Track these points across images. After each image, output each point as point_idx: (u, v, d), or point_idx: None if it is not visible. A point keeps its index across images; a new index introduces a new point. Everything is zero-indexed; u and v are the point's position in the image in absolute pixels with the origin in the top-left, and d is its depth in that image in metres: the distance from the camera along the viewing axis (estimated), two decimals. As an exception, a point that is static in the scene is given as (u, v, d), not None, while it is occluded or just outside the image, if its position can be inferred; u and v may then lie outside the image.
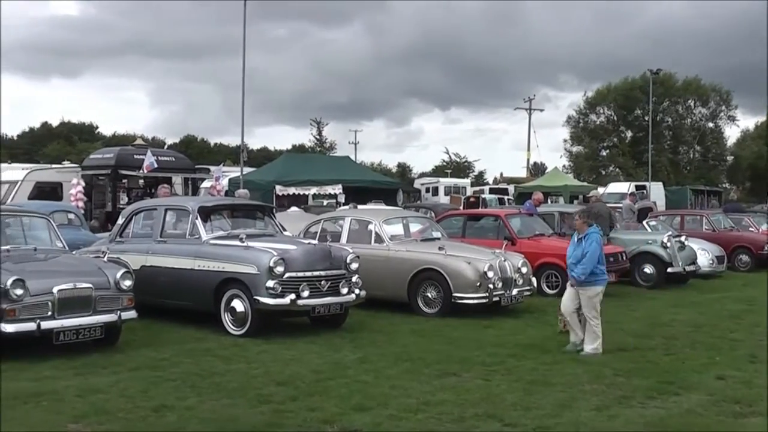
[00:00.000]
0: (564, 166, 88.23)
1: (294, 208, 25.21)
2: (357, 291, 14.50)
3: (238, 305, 13.69)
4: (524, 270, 16.93)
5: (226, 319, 13.82)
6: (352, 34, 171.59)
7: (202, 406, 9.39)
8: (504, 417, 9.07)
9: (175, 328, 14.14)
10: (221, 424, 8.66)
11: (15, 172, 34.43)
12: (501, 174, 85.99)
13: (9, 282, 11.43)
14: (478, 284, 15.97)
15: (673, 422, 9.13)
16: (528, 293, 17.04)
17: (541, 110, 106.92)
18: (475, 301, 16.05)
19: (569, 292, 13.19)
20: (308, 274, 13.83)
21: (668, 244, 22.13)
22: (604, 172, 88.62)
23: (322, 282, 13.98)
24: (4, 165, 38.24)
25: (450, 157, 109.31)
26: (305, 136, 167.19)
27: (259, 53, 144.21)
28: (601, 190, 43.00)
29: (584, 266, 12.84)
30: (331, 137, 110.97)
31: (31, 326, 11.46)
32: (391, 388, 10.32)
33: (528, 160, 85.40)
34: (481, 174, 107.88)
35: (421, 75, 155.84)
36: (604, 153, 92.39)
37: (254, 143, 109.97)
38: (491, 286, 16.06)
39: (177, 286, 14.46)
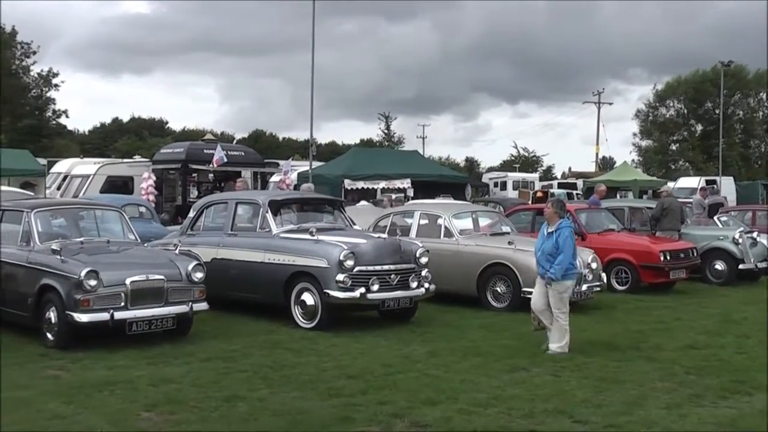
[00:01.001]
0: (633, 160, 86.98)
1: (363, 202, 25.22)
2: (426, 285, 14.44)
3: (308, 298, 13.73)
4: (594, 265, 16.73)
5: (297, 312, 13.88)
6: (420, 30, 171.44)
7: (273, 398, 9.44)
8: (574, 414, 8.97)
9: (246, 321, 14.25)
10: (293, 416, 8.69)
11: (87, 166, 35.00)
12: (569, 168, 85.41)
13: (83, 273, 11.64)
14: (547, 279, 15.81)
15: (745, 423, 8.93)
16: (598, 289, 16.80)
17: (610, 104, 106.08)
18: (545, 297, 15.87)
19: (539, 288, 12.43)
20: (378, 267, 13.83)
21: (740, 240, 21.69)
22: (673, 167, 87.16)
23: (392, 276, 13.96)
24: (76, 160, 38.88)
25: (518, 151, 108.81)
26: (373, 131, 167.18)
27: (327, 49, 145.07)
28: (670, 184, 42.40)
29: (560, 265, 12.05)
30: (399, 132, 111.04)
31: (104, 316, 11.68)
32: (461, 382, 10.28)
33: (597, 154, 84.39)
34: (549, 169, 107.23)
35: (489, 70, 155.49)
36: (673, 147, 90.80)
37: (322, 138, 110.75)
38: (560, 281, 15.87)
39: (247, 278, 14.57)
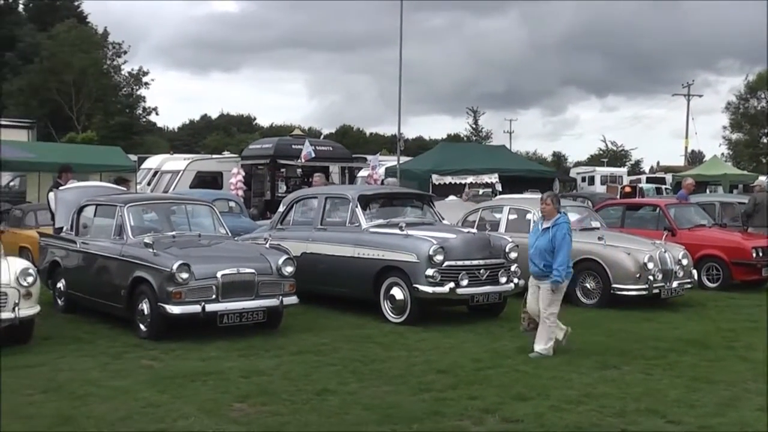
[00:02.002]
0: (723, 154, 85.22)
1: (452, 197, 25.13)
2: (515, 280, 14.32)
3: (397, 293, 13.73)
4: (685, 262, 16.41)
5: (386, 306, 13.89)
6: (508, 23, 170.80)
7: (363, 391, 9.45)
8: (667, 413, 8.80)
9: (335, 315, 14.31)
10: (383, 410, 8.68)
11: (177, 162, 35.50)
12: (657, 163, 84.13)
13: (175, 266, 11.82)
14: (637, 276, 15.58)
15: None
16: (688, 286, 16.50)
17: (700, 96, 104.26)
18: (635, 293, 15.66)
19: (531, 289, 11.79)
20: (467, 262, 13.76)
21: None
22: (764, 160, 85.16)
23: (481, 271, 13.88)
24: (166, 156, 39.46)
25: (606, 145, 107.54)
26: (461, 126, 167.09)
27: (415, 44, 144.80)
28: (762, 179, 41.39)
29: (561, 265, 11.34)
30: (487, 126, 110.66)
31: (196, 308, 11.87)
32: (551, 378, 10.18)
33: (686, 148, 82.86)
34: (637, 163, 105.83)
35: (578, 63, 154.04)
36: (765, 140, 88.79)
37: (410, 132, 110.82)
38: (651, 278, 15.64)
39: (337, 273, 14.62)
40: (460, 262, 13.67)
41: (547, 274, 11.39)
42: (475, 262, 13.85)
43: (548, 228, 11.52)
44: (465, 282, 13.61)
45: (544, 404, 9.01)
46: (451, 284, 13.46)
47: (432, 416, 8.53)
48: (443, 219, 15.93)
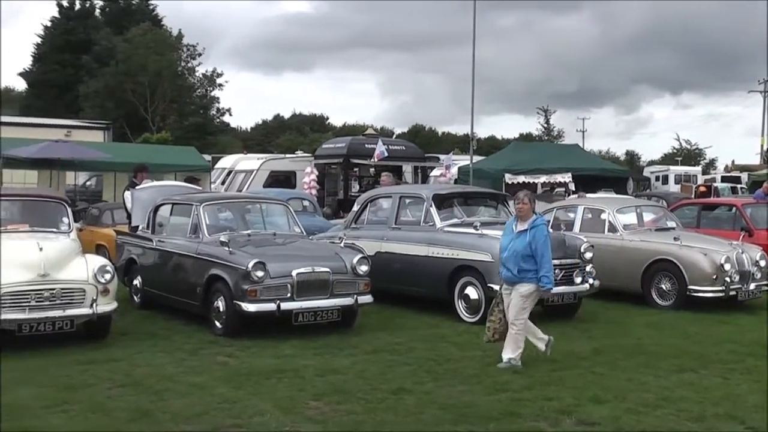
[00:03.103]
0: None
1: (525, 196, 24.97)
2: (591, 281, 14.18)
3: (471, 293, 13.66)
4: (762, 263, 16.03)
5: (460, 306, 13.82)
6: (581, 21, 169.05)
7: (439, 391, 9.41)
8: (746, 419, 8.61)
9: (409, 314, 14.28)
10: (459, 409, 8.65)
11: (250, 162, 35.79)
12: (732, 161, 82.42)
13: (251, 264, 11.89)
14: (714, 277, 15.28)
15: None
16: (766, 288, 16.14)
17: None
18: (711, 295, 15.35)
19: (507, 299, 10.88)
20: (542, 262, 13.63)
21: None
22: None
23: (556, 271, 13.67)
24: (240, 155, 39.80)
25: (680, 144, 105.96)
26: (533, 125, 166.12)
27: (487, 43, 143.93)
28: (841, 176, 40.42)
29: (547, 271, 10.57)
30: (559, 125, 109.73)
31: (271, 307, 11.91)
32: (628, 381, 10.05)
33: (762, 146, 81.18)
34: (712, 161, 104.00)
35: (651, 60, 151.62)
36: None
37: (482, 132, 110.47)
38: (728, 279, 15.31)
39: (411, 272, 14.59)
40: (535, 262, 13.53)
41: (522, 279, 10.59)
42: (550, 262, 13.70)
43: (525, 230, 10.70)
44: (540, 282, 13.48)
45: (621, 407, 8.89)
46: (526, 284, 13.34)
47: (508, 417, 8.47)
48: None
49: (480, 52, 32.74)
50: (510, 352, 10.66)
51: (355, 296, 12.54)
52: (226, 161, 38.09)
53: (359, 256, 12.87)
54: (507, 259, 10.73)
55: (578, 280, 14.02)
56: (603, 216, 17.02)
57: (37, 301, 11.26)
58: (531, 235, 10.60)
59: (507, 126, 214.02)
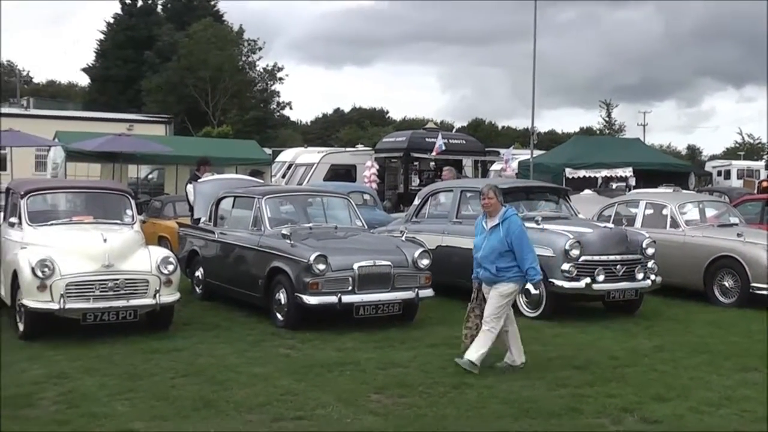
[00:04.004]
0: None
1: (587, 191, 24.81)
2: (652, 277, 14.01)
3: (532, 287, 13.50)
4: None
5: (521, 300, 13.72)
6: (643, 14, 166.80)
7: (499, 385, 9.38)
8: (812, 421, 8.45)
9: (469, 308, 14.22)
10: (520, 404, 8.62)
11: (311, 155, 35.95)
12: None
13: (312, 257, 11.94)
14: (778, 275, 15.05)
15: None
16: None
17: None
18: (775, 293, 15.09)
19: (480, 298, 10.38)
20: (604, 258, 13.54)
21: None
22: None
23: (618, 266, 13.63)
24: (300, 149, 40.01)
25: (743, 138, 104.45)
26: (594, 119, 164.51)
27: (548, 36, 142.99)
28: None
29: (531, 264, 9.99)
30: (620, 119, 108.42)
31: (332, 300, 11.96)
32: (690, 379, 9.92)
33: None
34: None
35: (714, 52, 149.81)
36: None
37: (542, 126, 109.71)
38: (792, 276, 15.07)
39: (472, 266, 14.47)
40: (596, 257, 13.47)
41: (501, 278, 10.06)
42: (611, 258, 13.61)
43: (497, 225, 10.10)
44: (601, 277, 13.40)
45: (684, 406, 8.79)
46: (587, 279, 13.28)
47: (569, 413, 8.43)
48: (578, 213, 15.71)
49: (541, 46, 32.52)
50: (476, 349, 9.97)
51: (416, 290, 12.54)
52: (287, 155, 38.28)
53: (420, 249, 12.86)
54: (483, 259, 10.17)
55: (640, 276, 13.86)
56: (665, 211, 16.82)
57: (101, 291, 11.48)
58: (505, 229, 10.01)
59: (567, 120, 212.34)
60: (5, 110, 53.67)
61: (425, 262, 12.75)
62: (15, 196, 13.29)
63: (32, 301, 11.35)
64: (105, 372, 9.87)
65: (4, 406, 8.54)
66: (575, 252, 13.23)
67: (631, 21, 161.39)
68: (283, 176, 34.36)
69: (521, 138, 74.21)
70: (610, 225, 14.58)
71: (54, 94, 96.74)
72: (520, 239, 9.99)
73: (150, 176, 34.70)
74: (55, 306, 11.26)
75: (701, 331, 13.02)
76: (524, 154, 35.64)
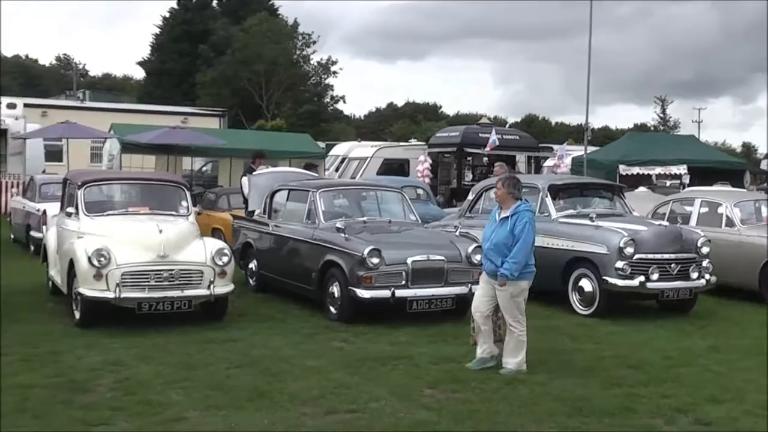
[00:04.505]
0: None
1: (642, 188, 24.62)
2: (707, 276, 13.86)
3: (586, 285, 13.52)
4: None
5: (574, 298, 13.70)
6: (698, 9, 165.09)
7: (552, 382, 9.35)
8: None
9: (522, 304, 14.18)
10: (573, 402, 8.57)
11: (364, 149, 36.04)
12: None
13: (366, 251, 11.97)
14: (837, 275, 14.83)
15: None
16: None
17: None
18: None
19: (483, 288, 10.09)
20: (658, 256, 13.41)
21: None
22: None
23: (672, 265, 13.50)
24: (354, 143, 40.11)
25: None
26: (648, 115, 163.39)
27: (603, 32, 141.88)
28: None
29: (516, 259, 9.61)
30: (675, 115, 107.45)
31: (385, 293, 11.97)
32: (745, 381, 9.77)
33: None
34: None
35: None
36: None
37: (596, 122, 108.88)
38: None
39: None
40: (650, 256, 13.34)
41: None
42: (666, 256, 13.47)
43: (507, 218, 9.81)
44: (655, 276, 13.28)
45: (738, 408, 8.67)
46: (641, 278, 13.16)
47: (623, 412, 8.36)
48: (633, 211, 15.59)
49: (596, 41, 32.16)
50: (513, 355, 9.81)
51: (470, 285, 12.43)
52: (340, 148, 38.40)
53: (474, 245, 12.81)
54: (489, 251, 9.88)
55: (694, 275, 13.72)
56: (720, 210, 16.61)
57: (156, 281, 11.62)
58: (512, 222, 9.72)
59: (621, 116, 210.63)
60: (62, 102, 54.55)
61: (479, 257, 12.69)
62: (72, 186, 13.48)
63: (88, 289, 11.52)
64: (160, 360, 9.99)
65: (60, 390, 8.71)
66: (630, 250, 13.13)
67: (687, 16, 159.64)
68: (336, 170, 34.47)
69: (574, 134, 73.87)
70: (665, 223, 14.43)
71: (109, 87, 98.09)
72: (520, 234, 9.67)
73: (204, 168, 34.96)
74: (110, 295, 11.41)
75: (756, 332, 12.82)
76: (578, 150, 35.38)
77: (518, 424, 7.88)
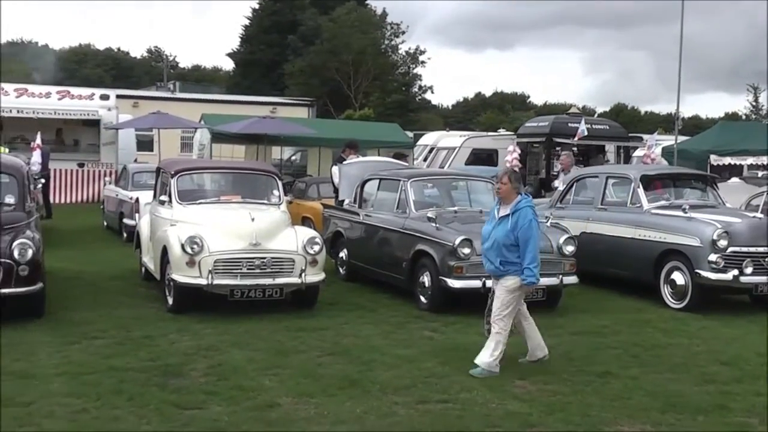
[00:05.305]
0: None
1: (734, 179, 24.13)
2: (807, 270, 13.54)
3: (678, 278, 13.31)
4: None
5: (665, 291, 13.51)
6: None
7: (645, 377, 9.24)
8: None
9: (613, 297, 14.09)
10: (666, 398, 8.45)
11: (452, 139, 35.97)
12: None
13: (458, 241, 11.98)
14: None
15: None
16: None
17: None
18: None
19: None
20: (752, 249, 13.10)
21: None
22: None
23: (766, 259, 13.22)
24: (442, 133, 40.08)
25: None
26: (739, 103, 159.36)
27: (694, 18, 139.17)
28: None
29: (534, 263, 9.11)
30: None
31: (476, 284, 11.92)
32: None
33: None
34: None
35: None
36: None
37: (686, 111, 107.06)
38: None
39: (616, 254, 14.37)
40: (745, 249, 13.05)
41: (507, 272, 9.25)
42: (760, 249, 13.14)
43: (507, 215, 9.24)
44: (749, 270, 12.98)
45: (836, 407, 8.43)
46: (735, 271, 12.89)
47: (717, 410, 8.19)
48: (726, 202, 15.30)
49: (686, 28, 31.49)
50: (487, 355, 9.22)
51: (561, 276, 12.44)
52: (429, 138, 38.34)
53: (566, 236, 12.75)
54: (488, 250, 9.38)
55: (793, 269, 13.41)
56: (818, 200, 16.22)
57: (248, 269, 11.77)
58: (513, 221, 9.15)
59: (711, 105, 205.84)
60: (153, 93, 55.52)
61: (570, 248, 12.64)
62: (165, 175, 13.71)
63: (181, 276, 11.74)
64: (252, 347, 10.13)
65: (154, 374, 8.90)
66: (723, 242, 12.88)
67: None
68: (425, 159, 34.45)
69: (664, 123, 72.72)
70: (760, 215, 14.11)
71: (199, 79, 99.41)
72: (526, 233, 9.09)
73: (293, 158, 35.22)
74: (203, 281, 11.61)
75: None
76: (668, 140, 34.84)
77: (610, 419, 7.80)
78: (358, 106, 67.93)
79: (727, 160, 29.04)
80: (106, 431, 7.22)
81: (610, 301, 13.75)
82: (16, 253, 10.90)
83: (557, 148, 32.89)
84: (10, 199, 12.14)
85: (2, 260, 10.86)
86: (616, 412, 7.99)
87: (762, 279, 13.11)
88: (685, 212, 13.59)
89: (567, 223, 14.25)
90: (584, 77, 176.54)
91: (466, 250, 11.96)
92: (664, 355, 10.35)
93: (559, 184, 18.37)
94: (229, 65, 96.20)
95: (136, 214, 18.68)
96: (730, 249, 12.97)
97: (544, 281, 12.16)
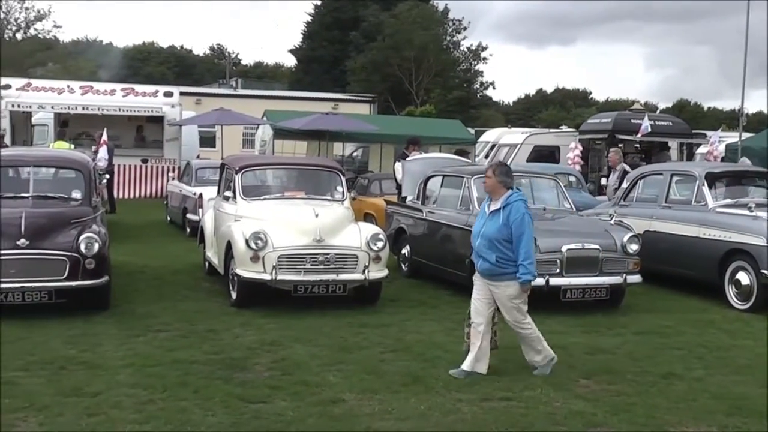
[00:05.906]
0: None
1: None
2: None
3: (743, 278, 13.09)
4: None
5: (730, 291, 13.32)
6: None
7: (710, 379, 9.14)
8: None
9: (677, 297, 13.91)
10: (732, 401, 8.32)
11: (514, 135, 35.91)
12: None
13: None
14: None
15: None
16: None
17: None
18: None
19: (479, 290, 9.11)
20: (820, 249, 12.89)
21: None
22: None
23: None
24: (504, 129, 40.02)
25: None
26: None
27: (760, 12, 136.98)
28: None
29: (529, 259, 8.70)
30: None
31: (539, 281, 11.74)
32: None
33: None
34: None
35: None
36: None
37: (751, 107, 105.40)
38: None
39: (680, 253, 14.19)
40: (813, 249, 12.83)
41: (505, 271, 8.83)
42: (829, 249, 12.93)
43: (498, 210, 8.85)
44: (817, 270, 12.77)
45: None
46: (802, 272, 12.67)
47: (780, 415, 8.04)
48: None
49: (753, 21, 30.89)
50: (535, 353, 9.13)
51: (624, 275, 12.35)
52: (490, 135, 38.31)
53: (630, 234, 12.65)
54: (480, 248, 8.93)
55: None
56: None
57: (312, 265, 11.85)
58: (505, 215, 8.76)
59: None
60: (216, 90, 56.05)
61: (634, 247, 12.54)
62: (230, 171, 13.85)
63: (245, 271, 11.85)
64: (316, 342, 10.21)
65: (220, 368, 9.01)
66: (790, 242, 12.69)
67: None
68: (486, 156, 34.38)
69: (727, 120, 71.64)
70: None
71: (261, 75, 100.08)
72: (519, 228, 8.71)
73: (354, 154, 35.39)
74: (267, 277, 11.71)
75: None
76: (731, 137, 34.36)
77: (675, 421, 7.72)
78: (420, 102, 67.85)
79: (792, 157, 28.55)
80: (173, 421, 7.31)
81: (674, 301, 13.58)
82: (82, 247, 11.09)
83: (620, 145, 32.65)
84: (76, 194, 12.38)
85: (69, 254, 11.07)
86: (681, 414, 7.91)
87: (829, 280, 12.87)
88: (751, 211, 13.38)
89: (630, 221, 14.11)
90: (646, 72, 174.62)
91: None
92: (729, 356, 10.20)
93: (615, 182, 18.23)
94: (290, 62, 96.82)
95: (200, 210, 18.90)
96: (798, 249, 12.73)
97: (608, 280, 12.19)
